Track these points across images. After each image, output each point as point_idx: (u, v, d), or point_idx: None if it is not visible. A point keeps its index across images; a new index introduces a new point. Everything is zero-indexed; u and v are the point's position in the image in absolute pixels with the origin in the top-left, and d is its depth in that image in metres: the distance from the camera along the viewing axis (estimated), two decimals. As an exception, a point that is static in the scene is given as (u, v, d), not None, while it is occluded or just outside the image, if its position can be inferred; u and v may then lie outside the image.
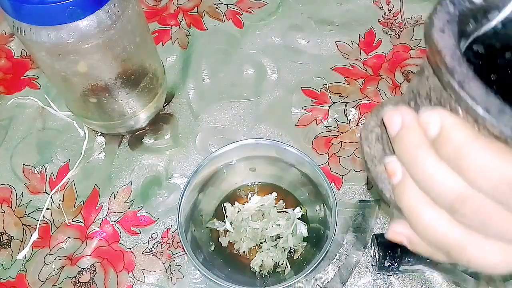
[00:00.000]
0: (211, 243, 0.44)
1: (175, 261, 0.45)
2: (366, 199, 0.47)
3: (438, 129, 0.19)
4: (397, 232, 0.23)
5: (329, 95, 0.54)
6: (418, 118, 0.20)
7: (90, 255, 0.45)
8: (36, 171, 0.50)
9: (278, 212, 0.45)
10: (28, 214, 0.48)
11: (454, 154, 0.19)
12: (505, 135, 0.18)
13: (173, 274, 0.44)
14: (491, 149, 0.18)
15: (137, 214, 0.47)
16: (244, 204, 0.46)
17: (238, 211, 0.45)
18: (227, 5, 0.62)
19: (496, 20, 0.23)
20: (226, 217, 0.45)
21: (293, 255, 0.44)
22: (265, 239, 0.44)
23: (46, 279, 0.44)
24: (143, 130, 0.52)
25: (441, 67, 0.20)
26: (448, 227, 0.20)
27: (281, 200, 0.46)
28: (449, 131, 0.19)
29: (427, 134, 0.20)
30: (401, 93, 0.54)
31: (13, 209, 0.48)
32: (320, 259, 0.37)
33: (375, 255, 0.42)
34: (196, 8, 0.62)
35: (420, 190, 0.21)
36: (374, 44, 0.58)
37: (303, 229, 0.44)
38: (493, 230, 0.19)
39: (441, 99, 0.21)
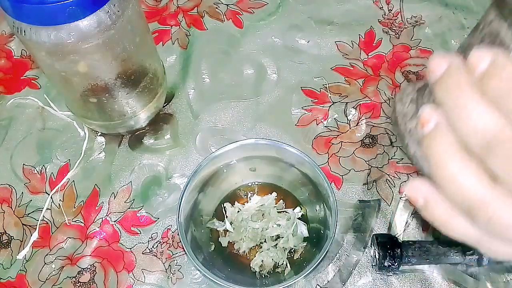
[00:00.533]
0: (211, 243, 0.44)
1: (175, 261, 0.45)
2: (366, 199, 0.47)
3: (488, 65, 0.18)
4: (416, 189, 0.21)
5: (329, 95, 0.54)
6: (470, 56, 0.19)
7: (90, 255, 0.45)
8: (36, 171, 0.50)
9: (278, 212, 0.45)
10: (28, 214, 0.48)
11: (502, 92, 0.18)
12: None
13: (173, 274, 0.44)
14: None
15: (137, 214, 0.47)
16: (244, 204, 0.46)
17: (238, 211, 0.45)
18: (227, 5, 0.62)
19: None
20: (226, 217, 0.45)
21: (293, 255, 0.44)
22: (265, 239, 0.44)
23: (46, 279, 0.44)
24: (143, 130, 0.52)
25: None
26: (476, 179, 0.19)
27: (281, 200, 0.46)
28: (500, 64, 0.18)
29: (475, 71, 0.19)
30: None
31: (13, 209, 0.48)
32: (320, 259, 0.37)
33: (375, 255, 0.42)
34: (196, 8, 0.62)
35: (452, 138, 0.19)
36: (374, 44, 0.58)
37: (303, 229, 0.44)
38: None
39: (495, 42, 0.20)
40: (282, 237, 0.44)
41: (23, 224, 0.47)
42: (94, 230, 0.46)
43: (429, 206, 0.21)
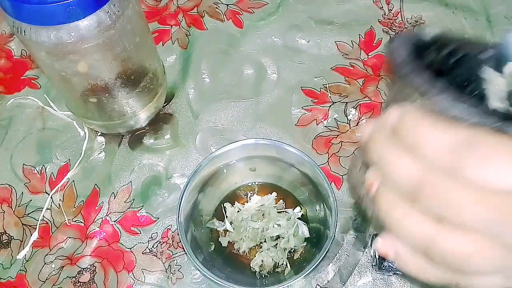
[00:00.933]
0: (211, 243, 0.44)
1: (175, 261, 0.45)
2: (366, 199, 0.47)
3: (397, 118, 0.21)
4: (385, 244, 0.23)
5: (329, 95, 0.54)
6: (384, 116, 0.22)
7: (90, 255, 0.45)
8: (36, 171, 0.50)
9: (278, 212, 0.45)
10: (28, 214, 0.48)
11: (410, 137, 0.20)
12: (445, 112, 0.19)
13: (173, 274, 0.44)
14: (435, 124, 0.19)
15: (137, 214, 0.47)
16: (244, 204, 0.46)
17: (238, 211, 0.45)
18: (227, 5, 0.62)
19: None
20: (226, 217, 0.45)
21: (293, 255, 0.44)
22: (265, 239, 0.44)
23: (46, 279, 0.44)
24: (143, 130, 0.52)
25: (396, 60, 0.22)
26: (420, 220, 0.20)
27: (281, 200, 0.46)
28: (404, 116, 0.20)
29: (388, 125, 0.21)
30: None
31: (13, 209, 0.48)
32: (320, 259, 0.37)
33: (375, 255, 0.42)
34: (196, 8, 0.62)
35: (392, 194, 0.21)
36: (374, 44, 0.58)
37: (305, 230, 0.44)
38: (455, 211, 0.19)
39: (403, 98, 0.23)
40: (283, 238, 0.44)
41: (23, 224, 0.47)
42: (94, 230, 0.46)
43: (399, 258, 0.22)
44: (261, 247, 0.44)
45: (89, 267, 0.45)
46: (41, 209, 0.48)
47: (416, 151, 0.19)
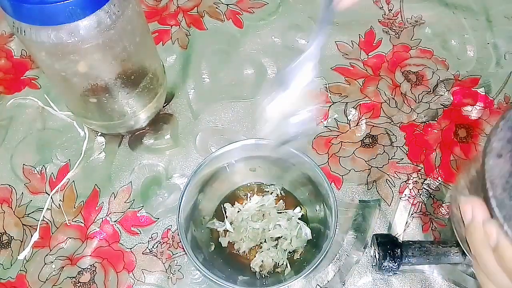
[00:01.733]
0: (211, 243, 0.44)
1: (175, 261, 0.45)
2: (366, 199, 0.47)
3: (496, 242, 0.24)
4: (467, 204, 0.25)
5: (329, 95, 0.54)
6: (484, 223, 0.24)
7: (90, 255, 0.45)
8: (36, 171, 0.50)
9: (278, 212, 0.45)
10: (28, 214, 0.48)
11: (507, 268, 0.23)
12: None
13: (173, 274, 0.44)
14: None
15: (137, 214, 0.47)
16: (243, 204, 0.46)
17: (238, 211, 0.45)
18: (227, 5, 0.62)
19: None
20: (226, 217, 0.45)
21: (293, 255, 0.44)
22: (265, 239, 0.44)
23: (46, 279, 0.44)
24: (143, 130, 0.52)
25: (491, 199, 0.21)
26: None
27: (281, 200, 0.46)
28: (503, 250, 0.23)
29: (490, 240, 0.24)
30: (401, 93, 0.54)
31: (13, 209, 0.48)
32: (320, 259, 0.37)
33: (375, 255, 0.42)
34: (196, 8, 0.62)
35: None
36: (374, 44, 0.58)
37: (307, 232, 0.44)
38: None
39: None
40: (285, 239, 0.44)
41: (23, 224, 0.47)
42: (94, 230, 0.46)
43: (473, 225, 0.25)
44: (261, 248, 0.44)
45: (89, 267, 0.45)
46: (41, 209, 0.48)
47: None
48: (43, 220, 0.47)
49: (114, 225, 0.47)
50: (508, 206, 0.20)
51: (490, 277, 0.25)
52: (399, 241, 0.42)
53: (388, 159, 0.50)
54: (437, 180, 0.48)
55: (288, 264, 0.43)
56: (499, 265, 0.24)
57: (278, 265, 0.43)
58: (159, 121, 0.53)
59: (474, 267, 0.27)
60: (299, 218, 0.45)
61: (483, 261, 0.25)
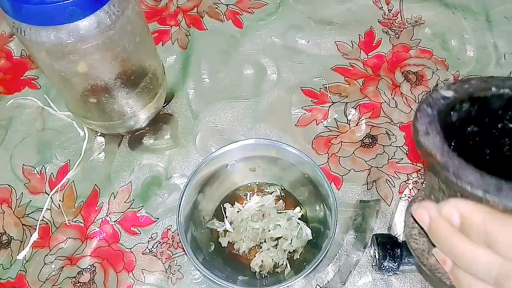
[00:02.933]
0: (211, 243, 0.44)
1: (175, 261, 0.45)
2: (366, 199, 0.47)
3: (459, 218, 0.23)
4: (421, 210, 0.25)
5: (329, 95, 0.54)
6: (440, 210, 0.24)
7: (90, 255, 0.45)
8: (36, 171, 0.50)
9: (278, 212, 0.45)
10: (28, 214, 0.48)
11: (481, 235, 0.22)
12: (509, 207, 0.21)
13: (173, 274, 0.44)
14: (507, 222, 0.21)
15: (137, 214, 0.47)
16: (243, 205, 0.46)
17: (238, 211, 0.45)
18: (227, 5, 0.62)
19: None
20: (226, 217, 0.45)
21: (293, 255, 0.44)
22: (265, 239, 0.44)
23: (46, 279, 0.44)
24: (143, 130, 0.52)
25: (436, 165, 0.23)
26: None
27: (281, 200, 0.46)
28: (468, 218, 0.22)
29: (452, 223, 0.23)
30: (401, 93, 0.54)
31: (13, 209, 0.48)
32: (320, 259, 0.37)
33: (375, 255, 0.42)
34: (196, 8, 0.62)
35: (469, 275, 0.23)
36: (374, 44, 0.58)
37: (308, 233, 0.44)
38: None
39: (451, 190, 0.24)
40: (286, 240, 0.44)
41: (23, 224, 0.47)
42: (94, 230, 0.46)
43: (433, 225, 0.25)
44: (261, 248, 0.44)
45: (89, 267, 0.45)
46: (41, 209, 0.48)
47: (497, 249, 0.22)
48: (42, 220, 0.47)
49: (114, 225, 0.47)
50: (453, 165, 0.23)
51: (471, 267, 0.23)
52: (399, 241, 0.42)
53: (388, 159, 0.50)
54: (437, 180, 0.48)
55: (288, 264, 0.43)
56: (473, 243, 0.23)
57: (278, 265, 0.43)
58: (159, 121, 0.53)
59: (453, 274, 0.25)
60: (299, 218, 0.45)
61: (459, 252, 0.23)
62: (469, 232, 0.23)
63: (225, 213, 0.45)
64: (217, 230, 0.45)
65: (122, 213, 0.47)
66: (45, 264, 0.45)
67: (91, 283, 0.44)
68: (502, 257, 0.22)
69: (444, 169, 0.23)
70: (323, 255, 0.38)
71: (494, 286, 0.22)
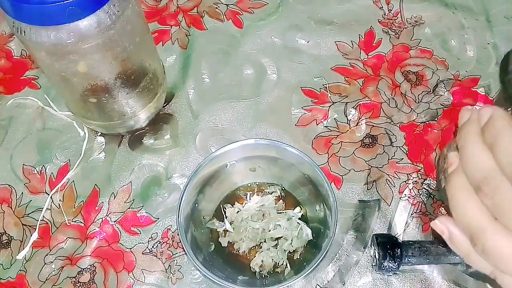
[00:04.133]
0: (211, 243, 0.44)
1: (175, 261, 0.45)
2: (366, 199, 0.47)
3: (488, 117, 0.23)
4: (442, 222, 0.26)
5: (329, 95, 0.54)
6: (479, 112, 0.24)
7: (90, 255, 0.45)
8: (36, 171, 0.50)
9: (278, 212, 0.45)
10: (28, 214, 0.48)
11: (491, 135, 0.23)
12: None
13: (173, 274, 0.44)
14: None
15: (137, 214, 0.47)
16: (243, 205, 0.46)
17: (238, 211, 0.45)
18: (227, 5, 0.62)
19: None
20: (226, 217, 0.45)
21: (293, 255, 0.44)
22: (265, 239, 0.44)
23: (46, 279, 0.44)
24: (143, 130, 0.52)
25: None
26: (478, 210, 0.23)
27: (281, 200, 0.46)
28: (495, 118, 0.23)
29: (480, 120, 0.24)
30: (401, 93, 0.54)
31: (13, 209, 0.48)
32: (320, 259, 0.37)
33: (375, 255, 0.42)
34: (196, 8, 0.62)
35: (464, 177, 0.24)
36: (374, 44, 0.58)
37: (308, 233, 0.44)
38: (506, 216, 0.22)
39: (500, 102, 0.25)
40: (286, 240, 0.44)
41: (23, 224, 0.47)
42: (94, 230, 0.46)
43: (452, 237, 0.25)
44: (261, 247, 0.44)
45: (89, 267, 0.45)
46: (41, 209, 0.48)
47: (494, 151, 0.22)
48: (42, 220, 0.47)
49: (114, 225, 0.47)
50: None
51: (467, 164, 0.23)
52: (399, 241, 0.42)
53: (388, 159, 0.50)
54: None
55: (288, 264, 0.43)
56: (481, 142, 0.23)
57: (278, 265, 0.43)
58: (159, 121, 0.53)
59: (450, 177, 0.25)
60: (299, 218, 0.45)
61: (464, 145, 0.24)
62: (485, 130, 0.23)
63: (225, 213, 0.45)
64: (217, 230, 0.45)
65: (122, 213, 0.47)
66: (45, 264, 0.45)
67: (91, 283, 0.44)
68: (496, 166, 0.22)
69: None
70: (323, 255, 0.38)
71: (476, 189, 0.23)
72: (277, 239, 0.44)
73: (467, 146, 0.24)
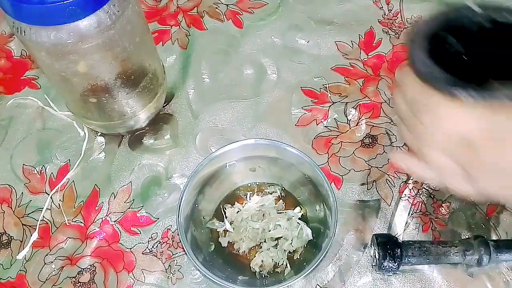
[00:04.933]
0: (211, 243, 0.44)
1: (175, 261, 0.45)
2: (366, 199, 0.47)
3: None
4: (397, 158, 0.34)
5: (329, 95, 0.54)
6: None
7: (90, 255, 0.45)
8: (36, 171, 0.50)
9: (278, 212, 0.45)
10: (28, 214, 0.48)
11: (399, 82, 0.31)
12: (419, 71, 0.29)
13: (173, 274, 0.44)
14: (408, 80, 0.30)
15: (137, 214, 0.47)
16: (243, 205, 0.46)
17: (238, 211, 0.45)
18: (227, 5, 0.62)
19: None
20: (226, 217, 0.45)
21: (293, 255, 0.44)
22: (265, 239, 0.44)
23: (46, 279, 0.44)
24: (143, 130, 0.52)
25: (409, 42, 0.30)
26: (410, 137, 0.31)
27: (281, 200, 0.46)
28: (402, 72, 0.31)
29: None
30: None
31: (13, 209, 0.48)
32: (320, 259, 0.37)
33: (375, 255, 0.42)
34: (196, 8, 0.62)
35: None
36: (374, 44, 0.58)
37: (308, 233, 0.44)
38: (408, 141, 0.32)
39: None
40: (286, 240, 0.44)
41: (23, 224, 0.47)
42: (94, 230, 0.46)
43: (409, 166, 0.33)
44: (261, 247, 0.44)
45: (89, 267, 0.45)
46: (41, 209, 0.48)
47: (402, 95, 0.31)
48: (42, 220, 0.47)
49: (114, 225, 0.47)
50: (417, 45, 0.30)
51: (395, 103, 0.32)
52: (399, 241, 0.42)
53: (388, 159, 0.50)
54: (437, 180, 0.48)
55: (288, 264, 0.43)
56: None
57: (278, 265, 0.43)
58: (159, 121, 0.53)
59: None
60: (299, 218, 0.45)
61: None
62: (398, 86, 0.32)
63: (225, 213, 0.45)
64: (217, 230, 0.45)
65: (122, 213, 0.47)
66: (45, 264, 0.45)
67: (91, 283, 0.44)
68: (407, 106, 0.30)
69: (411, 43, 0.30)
70: (323, 255, 0.38)
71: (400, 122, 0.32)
72: (277, 239, 0.44)
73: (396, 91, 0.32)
